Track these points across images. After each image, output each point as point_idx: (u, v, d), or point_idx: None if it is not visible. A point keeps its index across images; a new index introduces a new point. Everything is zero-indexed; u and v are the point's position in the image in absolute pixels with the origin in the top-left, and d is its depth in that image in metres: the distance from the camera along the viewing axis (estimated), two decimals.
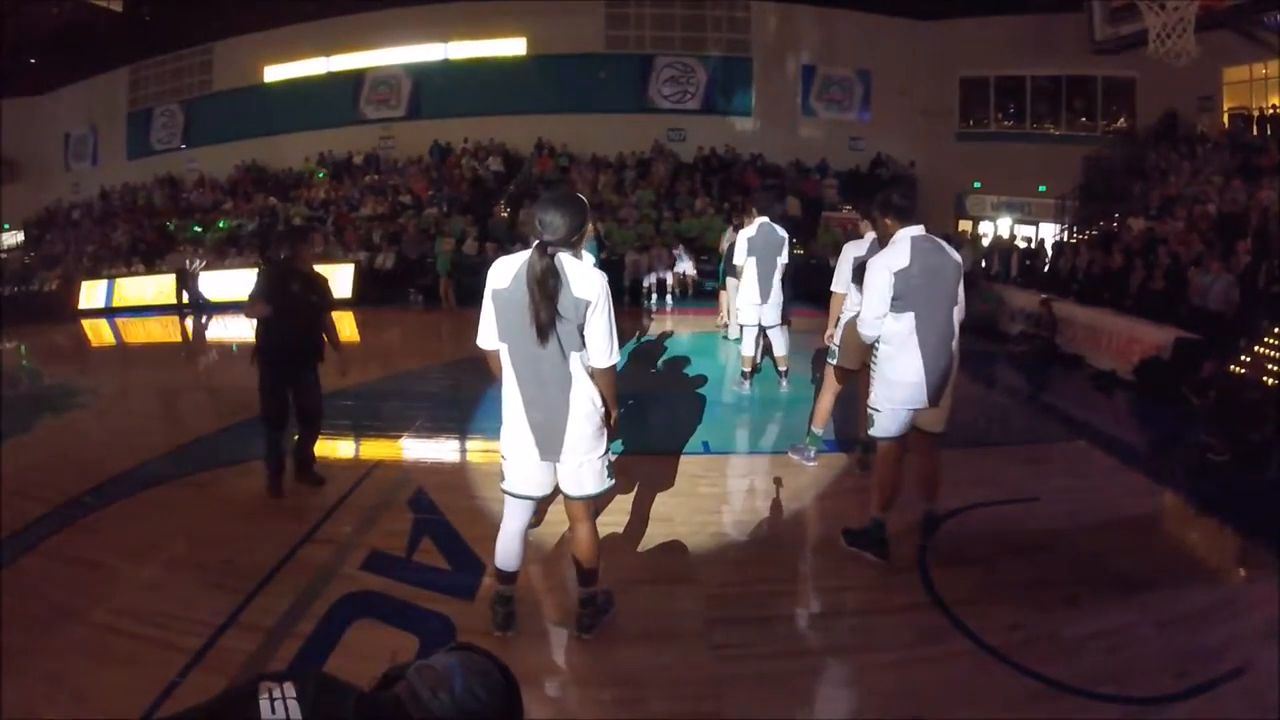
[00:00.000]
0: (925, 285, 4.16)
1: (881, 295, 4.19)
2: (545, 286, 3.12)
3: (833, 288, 5.91)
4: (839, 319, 5.87)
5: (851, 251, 5.74)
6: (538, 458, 3.36)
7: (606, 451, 3.47)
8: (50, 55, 23.66)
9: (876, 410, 4.39)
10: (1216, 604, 4.14)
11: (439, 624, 3.78)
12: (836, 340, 5.91)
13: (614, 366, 3.35)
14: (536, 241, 3.17)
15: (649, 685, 3.38)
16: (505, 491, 3.53)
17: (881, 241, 4.59)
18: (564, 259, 3.19)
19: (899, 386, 4.29)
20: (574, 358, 3.26)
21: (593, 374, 3.32)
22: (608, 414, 3.45)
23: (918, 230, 4.27)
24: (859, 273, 5.64)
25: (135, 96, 26.23)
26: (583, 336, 3.24)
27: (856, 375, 5.92)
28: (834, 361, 5.94)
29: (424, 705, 1.23)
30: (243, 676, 3.29)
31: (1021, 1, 19.71)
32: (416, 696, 1.24)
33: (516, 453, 3.41)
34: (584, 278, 3.19)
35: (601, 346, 3.25)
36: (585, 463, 3.39)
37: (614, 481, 3.57)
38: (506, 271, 3.26)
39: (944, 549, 4.52)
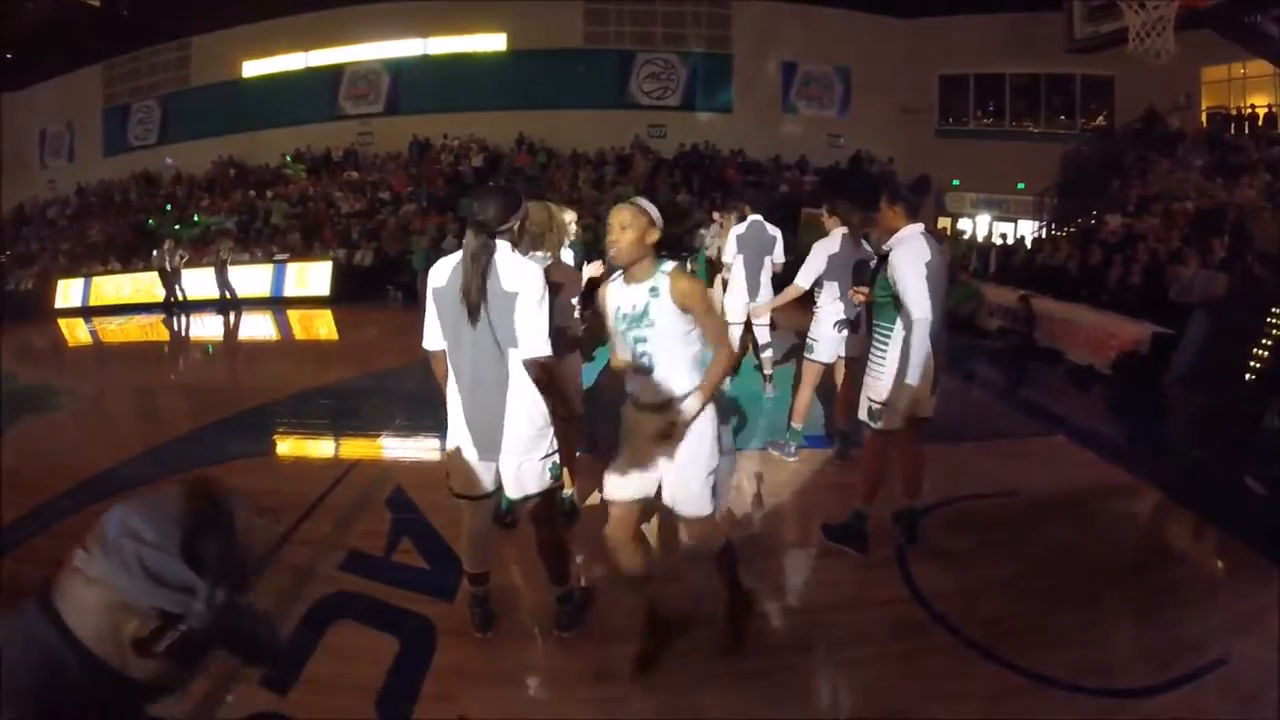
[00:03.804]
0: (937, 279, 4.18)
1: (928, 285, 4.13)
2: (478, 262, 3.12)
3: (797, 280, 6.10)
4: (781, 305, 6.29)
5: (824, 249, 5.86)
6: (477, 457, 3.32)
7: (550, 453, 3.40)
8: (26, 51, 23.35)
9: (883, 404, 4.34)
10: (1196, 596, 4.18)
11: (419, 624, 3.76)
12: (813, 335, 6.00)
13: (547, 360, 3.25)
14: (477, 230, 3.17)
15: (630, 683, 3.36)
16: (452, 492, 3.50)
17: (882, 230, 4.57)
18: (500, 250, 3.19)
19: (913, 379, 4.27)
20: (511, 355, 3.21)
21: (527, 368, 3.27)
22: (559, 412, 3.42)
23: (921, 226, 4.31)
24: (833, 269, 5.79)
25: (112, 92, 25.99)
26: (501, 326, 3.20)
27: (833, 369, 6.03)
28: (811, 356, 6.03)
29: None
30: (220, 675, 3.27)
31: None
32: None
33: (458, 452, 3.38)
34: (516, 270, 3.17)
35: (528, 335, 3.17)
36: (525, 462, 3.32)
37: (557, 481, 3.49)
38: (444, 270, 3.26)
39: (924, 543, 4.53)
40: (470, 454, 3.33)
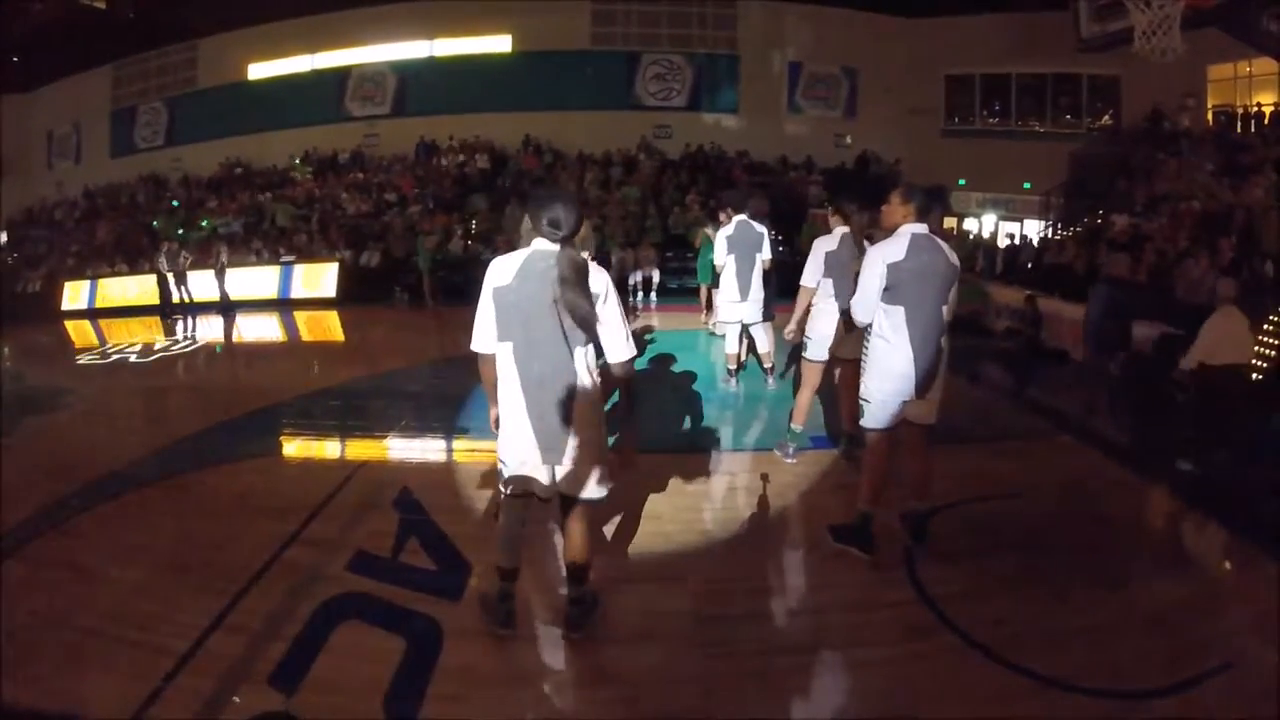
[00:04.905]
0: (917, 281, 4.21)
1: (874, 284, 4.26)
2: (580, 273, 3.16)
3: (802, 281, 5.98)
4: (808, 311, 5.99)
5: (822, 247, 5.82)
6: (539, 460, 3.31)
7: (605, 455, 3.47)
8: (34, 53, 23.42)
9: (867, 401, 4.43)
10: (1203, 599, 4.16)
11: (425, 625, 3.76)
12: (808, 334, 5.96)
13: (634, 359, 3.37)
14: (556, 238, 3.21)
15: (638, 684, 3.37)
16: (507, 493, 3.51)
17: (885, 227, 4.61)
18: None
19: (889, 378, 4.32)
20: (579, 354, 3.26)
21: (605, 370, 3.30)
22: (629, 408, 3.44)
23: (920, 228, 4.32)
24: (832, 267, 5.75)
25: (119, 94, 26.03)
26: (587, 332, 3.25)
27: (832, 368, 5.98)
28: (806, 355, 6.01)
29: None
30: (229, 679, 3.28)
31: None
32: None
33: (518, 454, 3.36)
34: (589, 274, 3.24)
35: (619, 338, 3.28)
36: (584, 465, 3.36)
37: (610, 485, 3.53)
38: (508, 269, 3.24)
39: (930, 545, 4.52)
40: (531, 456, 3.33)
